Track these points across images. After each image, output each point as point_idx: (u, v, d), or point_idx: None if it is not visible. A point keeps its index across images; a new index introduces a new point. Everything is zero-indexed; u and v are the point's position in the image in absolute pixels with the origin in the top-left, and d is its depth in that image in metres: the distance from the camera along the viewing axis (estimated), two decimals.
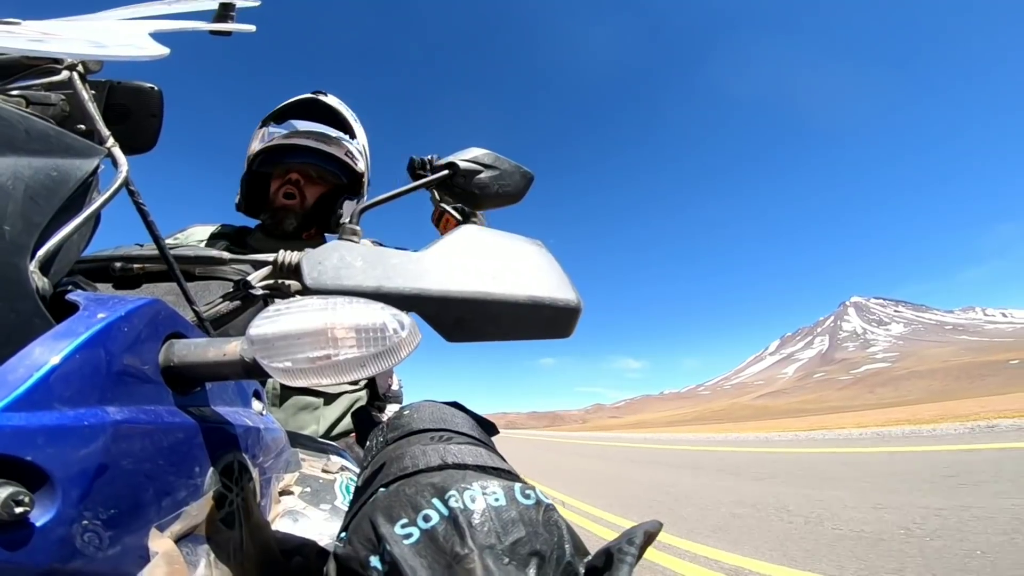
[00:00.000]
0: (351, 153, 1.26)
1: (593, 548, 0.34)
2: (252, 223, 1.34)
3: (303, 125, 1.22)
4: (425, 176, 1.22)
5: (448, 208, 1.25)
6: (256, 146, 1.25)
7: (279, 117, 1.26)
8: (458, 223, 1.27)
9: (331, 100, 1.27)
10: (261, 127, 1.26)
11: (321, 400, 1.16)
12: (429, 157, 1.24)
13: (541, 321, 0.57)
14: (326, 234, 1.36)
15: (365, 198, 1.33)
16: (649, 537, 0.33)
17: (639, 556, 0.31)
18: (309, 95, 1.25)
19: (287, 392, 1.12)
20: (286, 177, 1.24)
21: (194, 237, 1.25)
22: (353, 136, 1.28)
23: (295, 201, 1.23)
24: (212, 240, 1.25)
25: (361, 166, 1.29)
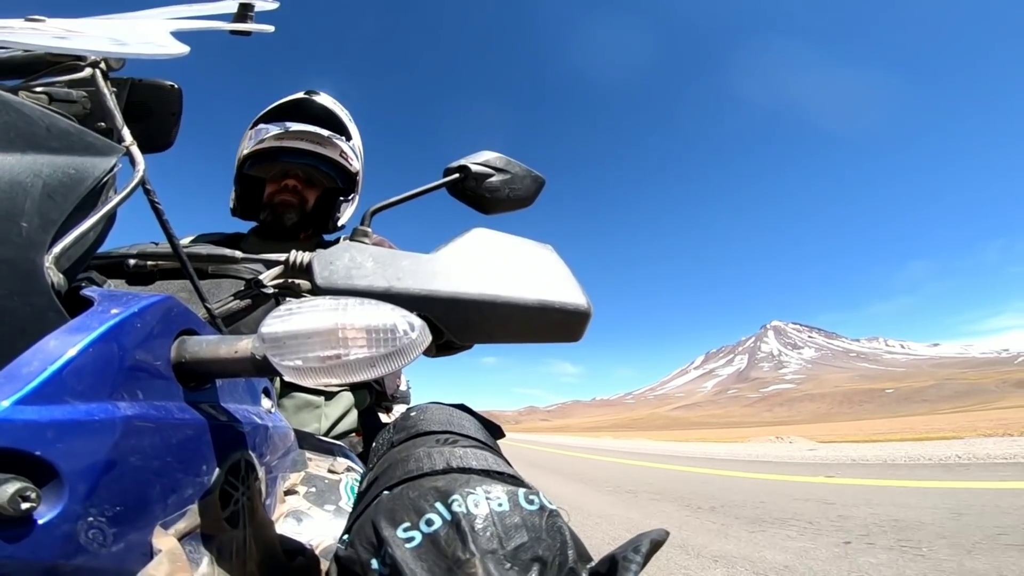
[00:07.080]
0: (345, 154, 1.21)
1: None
2: (245, 228, 1.30)
3: (295, 126, 1.16)
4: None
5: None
6: (247, 147, 1.19)
7: (270, 118, 1.20)
8: None
9: (324, 99, 1.22)
10: (252, 127, 1.21)
11: (322, 398, 1.14)
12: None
13: (550, 325, 0.56)
14: (324, 235, 1.32)
15: (358, 195, 1.31)
16: (655, 545, 0.32)
17: (644, 564, 0.31)
18: (302, 95, 1.20)
19: (288, 389, 1.10)
20: (282, 182, 1.20)
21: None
22: (348, 136, 1.23)
23: (295, 198, 1.20)
24: None
25: (356, 166, 1.25)
